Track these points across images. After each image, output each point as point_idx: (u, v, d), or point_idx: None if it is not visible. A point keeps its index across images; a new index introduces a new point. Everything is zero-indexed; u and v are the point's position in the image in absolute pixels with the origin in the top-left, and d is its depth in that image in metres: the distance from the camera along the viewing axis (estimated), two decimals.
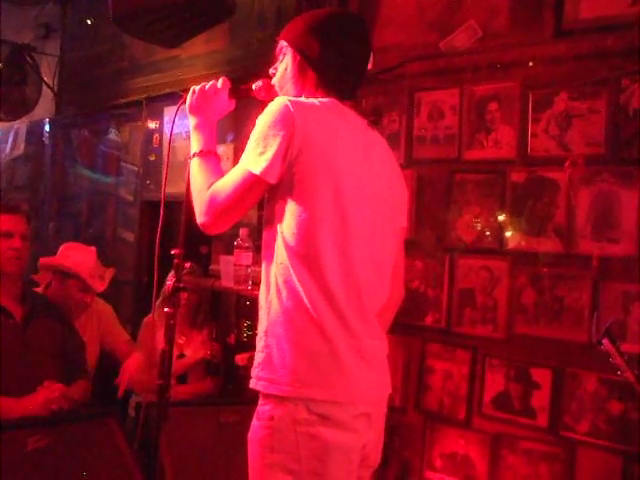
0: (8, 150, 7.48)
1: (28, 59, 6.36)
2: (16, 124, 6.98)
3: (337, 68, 2.12)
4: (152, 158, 5.23)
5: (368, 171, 2.08)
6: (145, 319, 4.21)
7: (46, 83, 6.46)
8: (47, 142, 6.74)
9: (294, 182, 1.93)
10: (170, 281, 2.21)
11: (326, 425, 1.87)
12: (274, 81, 2.21)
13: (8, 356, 3.16)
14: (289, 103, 1.93)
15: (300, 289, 1.92)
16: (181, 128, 4.90)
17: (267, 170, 1.92)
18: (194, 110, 2.26)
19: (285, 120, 1.91)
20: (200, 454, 3.10)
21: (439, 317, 3.42)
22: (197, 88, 2.27)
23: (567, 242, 3.06)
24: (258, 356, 1.99)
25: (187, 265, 2.29)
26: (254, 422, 1.96)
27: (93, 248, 4.13)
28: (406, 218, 2.32)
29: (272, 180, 1.94)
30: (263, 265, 2.03)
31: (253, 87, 2.24)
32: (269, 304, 1.97)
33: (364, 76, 2.23)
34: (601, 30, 3.01)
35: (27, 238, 3.39)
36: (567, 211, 3.06)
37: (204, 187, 2.05)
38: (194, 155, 2.17)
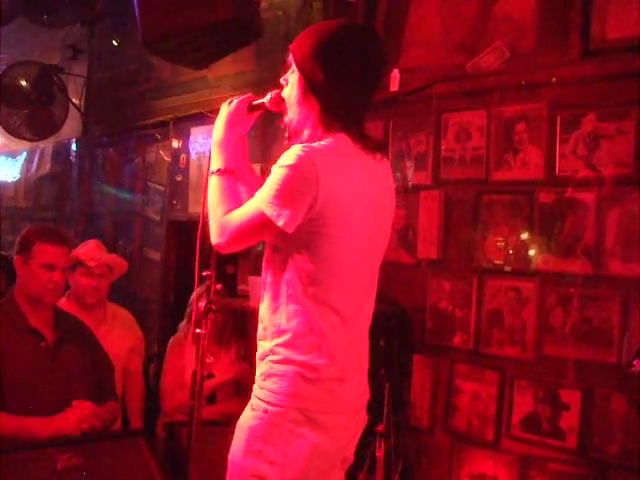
0: (34, 170, 7.56)
1: (55, 80, 6.41)
2: (42, 144, 7.05)
3: (342, 99, 2.08)
4: (179, 178, 5.26)
5: (378, 205, 2.14)
6: (172, 339, 4.23)
7: (73, 103, 6.51)
8: (74, 161, 6.80)
9: (314, 232, 2.01)
10: (202, 302, 2.23)
11: (314, 427, 2.02)
12: (284, 94, 2.18)
13: (39, 378, 3.17)
14: (314, 158, 1.95)
15: (310, 320, 2.05)
16: (205, 147, 4.96)
17: (289, 223, 1.96)
18: (225, 124, 2.26)
19: (310, 179, 1.94)
20: None
21: (467, 338, 3.42)
22: (234, 102, 2.28)
23: (596, 263, 3.05)
24: (263, 366, 2.10)
25: (218, 287, 2.31)
26: (248, 411, 2.09)
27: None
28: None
29: (290, 230, 1.98)
30: (269, 291, 2.12)
31: (265, 100, 2.23)
32: (277, 328, 2.09)
33: (371, 101, 2.19)
34: (629, 50, 3.00)
35: (67, 269, 3.41)
36: (596, 232, 3.06)
37: (219, 209, 2.12)
38: (213, 173, 2.21)
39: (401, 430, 3.42)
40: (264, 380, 2.08)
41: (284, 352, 2.05)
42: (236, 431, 2.09)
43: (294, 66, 2.12)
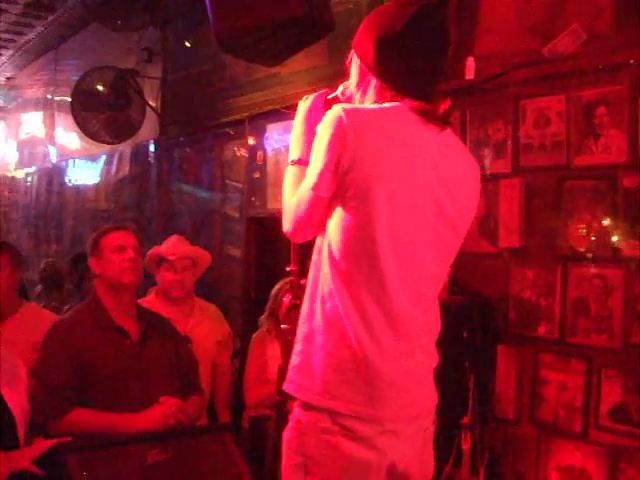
0: (113, 172, 7.74)
1: (132, 83, 6.55)
2: (120, 146, 7.20)
3: (396, 72, 1.99)
4: (256, 175, 5.31)
5: (434, 182, 1.98)
6: (255, 334, 4.28)
7: (150, 105, 6.63)
8: (152, 162, 6.92)
9: (344, 197, 1.91)
10: (286, 298, 2.25)
11: (347, 437, 1.90)
12: (348, 84, 2.14)
13: (125, 375, 3.25)
14: (343, 114, 1.89)
15: (338, 303, 1.93)
16: (281, 143, 4.99)
17: (318, 185, 1.93)
18: (302, 120, 2.23)
19: (337, 134, 1.88)
20: None
21: (552, 327, 3.34)
22: (310, 97, 2.26)
23: None
24: (294, 359, 2.04)
25: (303, 282, 2.32)
26: (289, 423, 2.02)
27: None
28: (466, 230, 2.13)
29: (324, 194, 1.94)
30: (312, 271, 2.04)
31: (338, 93, 2.20)
32: (312, 311, 1.99)
33: (438, 73, 2.05)
34: None
35: (140, 252, 3.49)
36: None
37: (290, 197, 2.09)
38: (290, 162, 2.18)
39: (487, 422, 3.39)
40: (295, 374, 2.02)
41: (316, 339, 1.97)
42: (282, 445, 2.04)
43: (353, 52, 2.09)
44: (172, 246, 4.35)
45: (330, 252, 1.95)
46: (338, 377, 1.92)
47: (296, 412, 1.99)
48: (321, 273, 1.99)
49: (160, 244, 4.45)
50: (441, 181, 1.99)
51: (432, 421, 2.13)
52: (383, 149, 1.90)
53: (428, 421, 2.10)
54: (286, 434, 2.01)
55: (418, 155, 1.96)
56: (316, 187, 1.93)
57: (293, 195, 2.07)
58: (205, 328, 4.29)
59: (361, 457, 1.92)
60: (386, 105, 1.98)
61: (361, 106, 2.01)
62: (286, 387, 2.03)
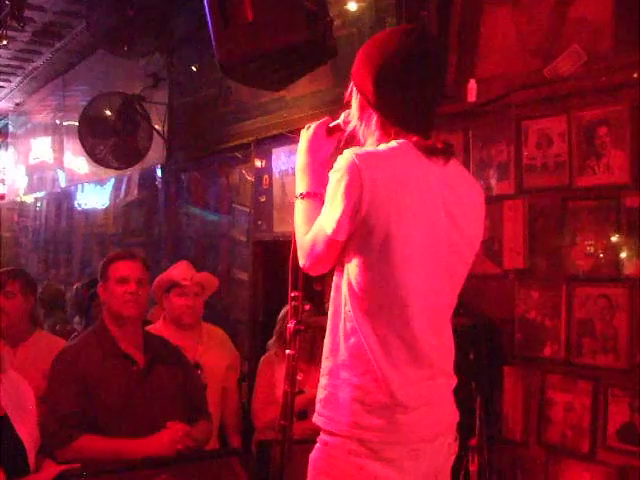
0: (122, 196, 7.79)
1: (138, 109, 6.61)
2: (128, 171, 7.24)
3: (396, 106, 2.03)
4: (262, 199, 5.33)
5: (443, 216, 2.02)
6: (263, 357, 4.28)
7: (156, 130, 6.68)
8: (160, 187, 6.96)
9: (365, 240, 1.94)
10: (291, 323, 2.26)
11: (374, 458, 1.95)
12: (350, 114, 2.18)
13: (132, 401, 3.25)
14: (357, 159, 1.91)
15: (362, 338, 1.98)
16: (288, 165, 5.01)
17: (336, 231, 1.95)
18: (306, 150, 2.27)
19: (353, 179, 1.90)
20: None
21: (558, 348, 3.35)
22: (312, 126, 2.29)
23: None
24: (320, 392, 2.08)
25: (307, 307, 2.33)
26: (316, 444, 2.06)
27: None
28: (473, 258, 2.17)
29: (342, 238, 1.97)
30: (331, 308, 2.09)
31: (340, 121, 2.23)
32: (336, 347, 2.04)
33: (435, 107, 2.10)
34: None
35: (144, 283, 3.48)
36: None
37: (304, 232, 2.11)
38: (299, 196, 2.20)
39: (494, 444, 3.39)
40: (323, 407, 2.06)
41: (341, 374, 2.02)
42: (308, 466, 2.07)
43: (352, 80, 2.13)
44: (184, 271, 4.33)
45: (352, 290, 1.99)
46: (365, 408, 1.97)
47: (323, 436, 2.04)
48: (342, 310, 2.03)
49: (167, 269, 4.45)
50: (449, 214, 2.03)
51: (454, 437, 2.16)
52: (398, 191, 1.93)
53: (450, 437, 2.14)
54: (313, 455, 2.05)
55: (428, 191, 1.99)
56: (335, 233, 1.95)
57: (306, 231, 2.10)
58: (214, 354, 4.28)
59: (388, 477, 1.97)
60: (393, 144, 2.00)
61: (371, 149, 2.03)
62: (315, 420, 2.07)
